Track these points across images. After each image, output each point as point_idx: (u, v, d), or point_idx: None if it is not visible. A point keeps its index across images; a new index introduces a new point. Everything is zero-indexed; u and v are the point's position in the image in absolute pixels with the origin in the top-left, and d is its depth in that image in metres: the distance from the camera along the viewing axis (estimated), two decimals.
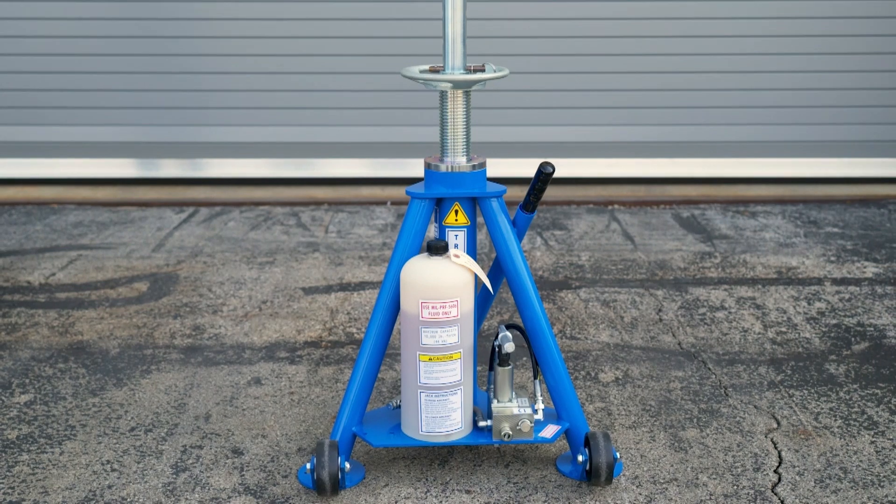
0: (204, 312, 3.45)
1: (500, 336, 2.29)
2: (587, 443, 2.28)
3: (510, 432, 2.28)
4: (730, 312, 3.44)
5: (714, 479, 2.36)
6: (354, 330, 3.30)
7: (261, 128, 5.24)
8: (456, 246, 2.33)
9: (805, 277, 3.82)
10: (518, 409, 2.29)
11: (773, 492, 2.30)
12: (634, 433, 2.58)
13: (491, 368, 2.34)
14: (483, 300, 2.51)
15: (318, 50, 5.15)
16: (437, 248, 2.23)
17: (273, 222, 4.64)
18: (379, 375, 2.87)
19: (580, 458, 2.29)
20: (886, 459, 2.44)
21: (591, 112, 5.23)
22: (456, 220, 2.32)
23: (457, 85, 2.26)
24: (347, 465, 2.28)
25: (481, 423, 2.33)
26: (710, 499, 2.27)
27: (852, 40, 5.14)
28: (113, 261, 4.04)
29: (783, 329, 3.29)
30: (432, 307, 2.20)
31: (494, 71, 2.28)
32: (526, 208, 2.36)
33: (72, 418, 2.66)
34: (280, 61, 5.15)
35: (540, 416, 2.33)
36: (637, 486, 2.32)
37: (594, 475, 2.25)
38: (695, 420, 2.66)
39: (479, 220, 2.40)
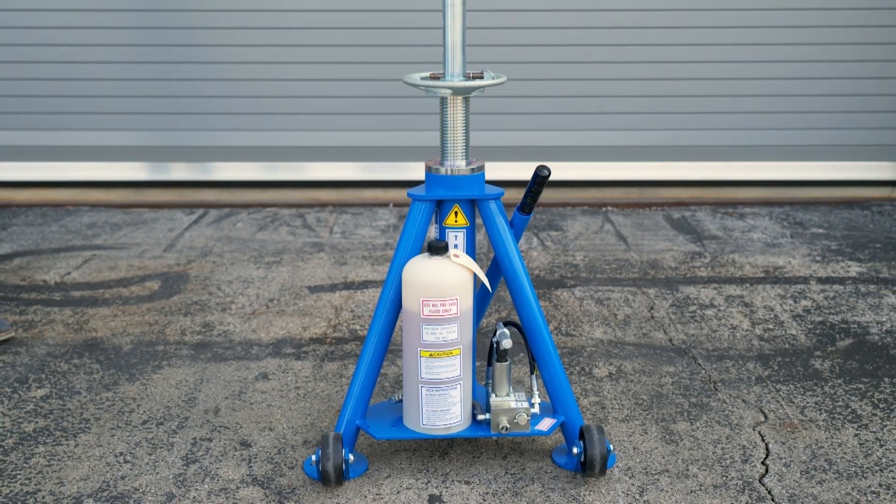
0: (213, 310, 3.48)
1: (498, 333, 2.31)
2: (582, 435, 2.29)
3: (508, 425, 2.30)
4: (719, 310, 3.47)
5: (704, 470, 2.38)
6: (358, 327, 3.32)
7: (267, 133, 5.23)
8: (455, 246, 2.34)
9: (791, 276, 3.84)
10: (515, 403, 2.31)
11: (760, 483, 2.32)
12: (627, 426, 2.61)
13: (489, 364, 2.36)
14: (482, 298, 2.51)
15: (322, 58, 5.14)
16: (438, 248, 2.24)
17: (279, 223, 4.65)
18: (381, 371, 2.87)
19: (575, 450, 2.31)
20: (869, 451, 2.47)
21: (585, 117, 5.22)
22: (455, 221, 2.33)
23: (456, 91, 2.25)
24: (351, 457, 2.29)
25: (480, 417, 2.34)
26: (700, 489, 2.29)
27: (836, 48, 5.14)
28: (126, 260, 4.06)
29: (770, 326, 3.32)
30: (433, 305, 2.21)
31: (493, 78, 2.27)
32: (523, 210, 2.38)
33: (86, 412, 2.69)
34: (286, 69, 5.15)
35: (536, 409, 2.35)
36: (630, 477, 2.35)
37: (589, 467, 2.27)
38: (685, 414, 2.68)
39: (478, 221, 2.42)
